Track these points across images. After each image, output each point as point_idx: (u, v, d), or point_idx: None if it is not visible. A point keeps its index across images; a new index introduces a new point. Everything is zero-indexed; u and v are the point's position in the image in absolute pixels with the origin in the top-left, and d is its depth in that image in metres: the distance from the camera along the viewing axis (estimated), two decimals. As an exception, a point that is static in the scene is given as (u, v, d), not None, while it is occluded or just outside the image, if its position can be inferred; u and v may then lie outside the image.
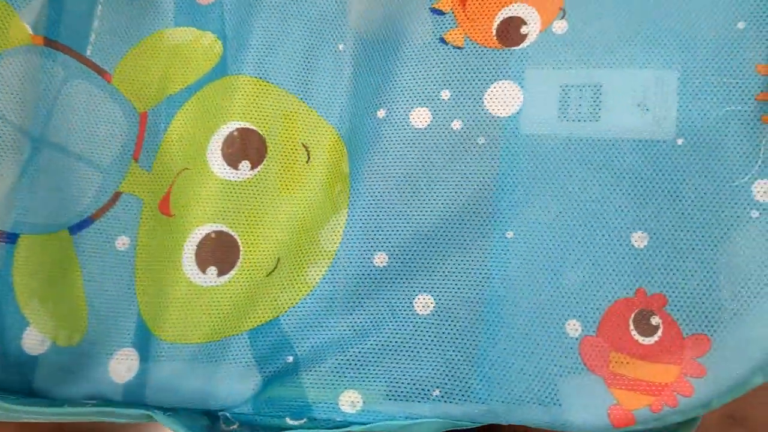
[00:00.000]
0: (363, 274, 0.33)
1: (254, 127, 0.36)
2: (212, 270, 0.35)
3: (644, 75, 0.31)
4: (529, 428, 0.31)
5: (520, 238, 0.32)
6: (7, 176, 0.34)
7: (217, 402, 0.33)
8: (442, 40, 0.35)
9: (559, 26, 0.33)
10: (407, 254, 0.33)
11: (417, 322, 0.32)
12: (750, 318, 0.27)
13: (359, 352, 0.33)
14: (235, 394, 0.33)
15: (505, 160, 0.32)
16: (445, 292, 0.32)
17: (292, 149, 0.36)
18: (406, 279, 0.33)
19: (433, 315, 0.32)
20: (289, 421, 0.32)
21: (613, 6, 0.32)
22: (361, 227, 0.34)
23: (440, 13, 0.35)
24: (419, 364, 0.32)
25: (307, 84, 0.36)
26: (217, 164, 0.36)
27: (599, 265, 0.30)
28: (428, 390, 0.31)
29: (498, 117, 0.33)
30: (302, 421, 0.32)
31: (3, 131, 0.34)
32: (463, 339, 0.31)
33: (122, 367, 0.34)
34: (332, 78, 0.36)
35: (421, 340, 0.32)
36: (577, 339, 0.30)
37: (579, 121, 0.32)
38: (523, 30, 0.34)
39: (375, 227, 0.34)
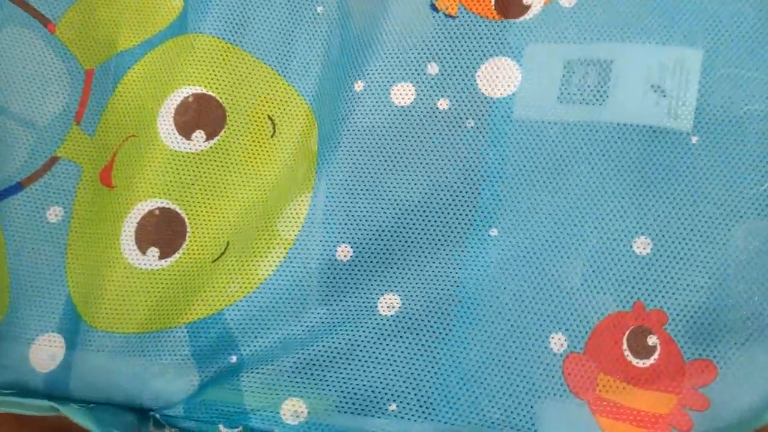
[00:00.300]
0: (323, 268, 0.32)
1: (213, 94, 0.34)
2: (153, 251, 0.33)
3: (663, 52, 0.30)
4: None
5: (505, 236, 0.31)
6: None
7: (149, 400, 0.32)
8: (433, 7, 0.34)
9: None
10: (374, 248, 0.32)
11: (378, 324, 0.31)
12: (766, 343, 0.27)
13: (310, 356, 0.31)
14: (169, 393, 0.32)
15: (494, 148, 0.31)
16: (414, 291, 0.31)
17: (255, 121, 0.35)
18: (372, 275, 0.32)
19: (397, 317, 0.31)
20: (222, 430, 0.31)
21: None
22: (324, 214, 0.33)
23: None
24: (376, 373, 0.30)
25: (277, 49, 0.35)
26: (167, 132, 0.34)
27: (593, 271, 0.29)
28: (384, 403, 0.30)
29: (490, 98, 0.32)
30: (237, 430, 0.30)
31: None
32: (428, 347, 0.30)
33: (45, 354, 0.33)
34: (307, 44, 0.35)
35: (381, 344, 0.31)
36: (561, 356, 0.29)
37: (581, 103, 0.31)
38: (526, 0, 0.33)
39: (340, 216, 0.32)
